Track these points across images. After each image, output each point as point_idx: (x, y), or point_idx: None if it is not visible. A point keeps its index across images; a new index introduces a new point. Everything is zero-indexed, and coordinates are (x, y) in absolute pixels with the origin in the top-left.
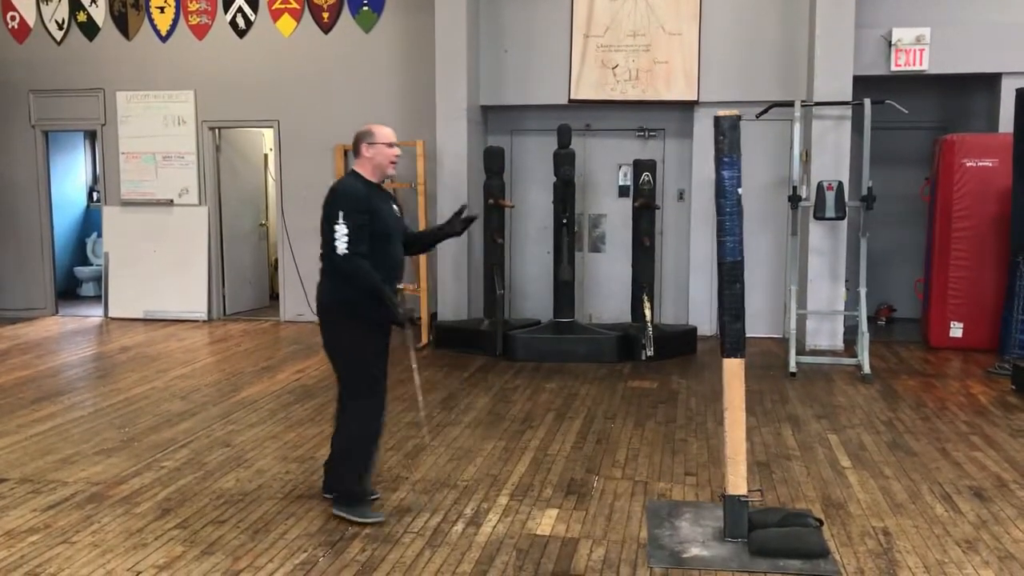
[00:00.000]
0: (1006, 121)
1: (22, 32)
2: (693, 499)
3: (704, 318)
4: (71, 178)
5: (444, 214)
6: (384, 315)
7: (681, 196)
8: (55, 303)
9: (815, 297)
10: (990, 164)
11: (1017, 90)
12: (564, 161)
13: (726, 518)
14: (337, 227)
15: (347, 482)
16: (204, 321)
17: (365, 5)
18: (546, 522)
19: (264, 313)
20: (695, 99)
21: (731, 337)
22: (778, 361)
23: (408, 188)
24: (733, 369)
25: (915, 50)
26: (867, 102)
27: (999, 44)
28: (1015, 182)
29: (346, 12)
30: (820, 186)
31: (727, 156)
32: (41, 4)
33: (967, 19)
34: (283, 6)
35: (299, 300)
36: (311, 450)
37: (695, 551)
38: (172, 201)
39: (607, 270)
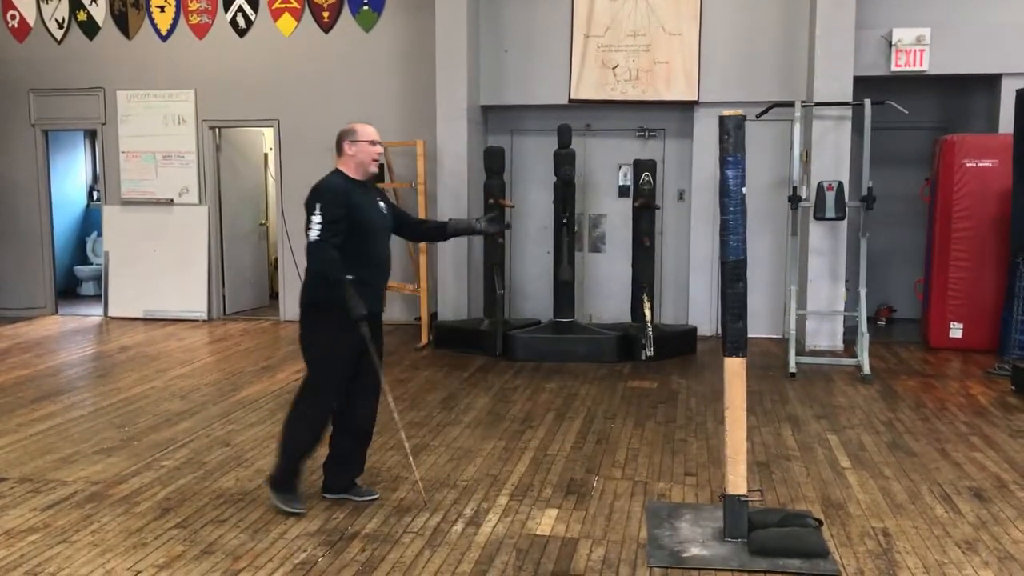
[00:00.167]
0: (1006, 122)
1: (22, 31)
2: (693, 499)
3: (704, 318)
4: (71, 177)
5: (444, 214)
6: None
7: (681, 196)
8: (55, 302)
9: (815, 297)
10: (990, 165)
11: (1017, 91)
12: (564, 161)
13: (726, 518)
14: (313, 217)
15: (282, 467)
16: (204, 320)
17: (365, 5)
18: (546, 522)
19: (264, 312)
20: (695, 99)
21: (733, 336)
22: (778, 361)
23: (408, 188)
24: (734, 368)
25: (915, 50)
26: (867, 102)
27: (999, 44)
28: (1015, 183)
29: (346, 12)
30: (820, 186)
31: (731, 155)
32: (41, 3)
33: (967, 19)
34: (283, 5)
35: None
36: None
37: (695, 551)
38: (172, 200)
39: (607, 270)
